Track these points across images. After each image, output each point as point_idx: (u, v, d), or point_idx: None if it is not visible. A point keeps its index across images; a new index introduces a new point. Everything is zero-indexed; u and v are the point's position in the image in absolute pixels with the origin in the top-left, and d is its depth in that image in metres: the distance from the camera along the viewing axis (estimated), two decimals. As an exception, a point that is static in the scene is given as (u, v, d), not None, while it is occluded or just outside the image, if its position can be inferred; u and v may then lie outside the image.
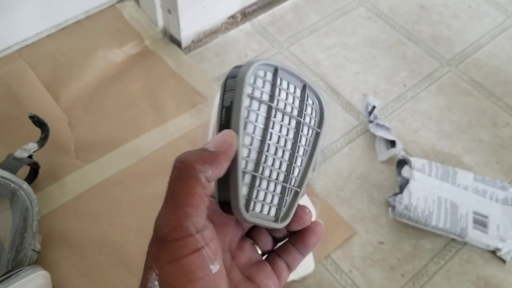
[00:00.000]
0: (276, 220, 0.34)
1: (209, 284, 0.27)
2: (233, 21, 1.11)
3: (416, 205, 0.81)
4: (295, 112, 0.34)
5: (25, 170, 0.80)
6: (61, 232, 0.78)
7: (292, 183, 0.35)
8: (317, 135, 0.36)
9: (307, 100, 0.35)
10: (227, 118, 0.31)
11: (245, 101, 0.31)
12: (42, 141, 0.79)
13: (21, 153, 0.76)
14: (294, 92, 0.34)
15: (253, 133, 0.31)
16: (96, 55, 0.99)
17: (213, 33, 1.09)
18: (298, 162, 0.35)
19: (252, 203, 0.32)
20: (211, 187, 0.30)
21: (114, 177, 0.84)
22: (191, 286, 0.26)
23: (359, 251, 0.81)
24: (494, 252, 0.81)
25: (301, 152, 0.35)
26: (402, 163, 0.89)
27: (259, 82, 0.32)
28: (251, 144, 0.31)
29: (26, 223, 0.72)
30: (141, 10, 1.09)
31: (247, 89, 0.30)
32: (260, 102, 0.32)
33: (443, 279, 0.79)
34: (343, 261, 0.79)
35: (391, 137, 0.90)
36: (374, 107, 0.92)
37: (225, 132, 0.30)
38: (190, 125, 0.91)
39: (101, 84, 0.96)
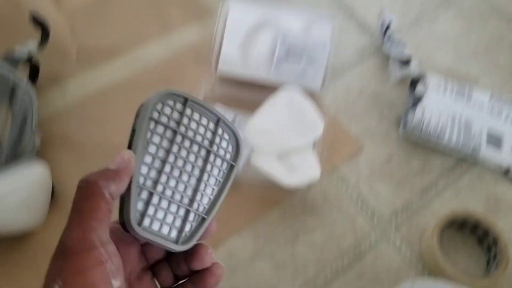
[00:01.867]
0: (176, 242, 0.34)
1: None
2: None
3: (428, 121, 0.78)
4: (206, 143, 0.37)
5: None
6: (63, 136, 0.77)
7: (199, 209, 0.36)
8: (232, 168, 0.39)
9: (222, 135, 0.38)
10: (130, 139, 0.34)
11: (149, 124, 0.34)
12: (43, 41, 0.76)
13: (20, 49, 0.73)
14: (207, 125, 0.37)
15: (156, 154, 0.34)
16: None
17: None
18: (208, 191, 0.37)
19: (148, 220, 0.33)
20: (115, 206, 0.31)
21: (118, 84, 0.82)
22: None
23: (367, 166, 0.78)
24: (506, 174, 0.79)
25: (212, 181, 0.37)
26: (416, 82, 0.85)
27: (167, 110, 0.35)
28: (152, 164, 0.34)
29: (26, 120, 0.70)
30: None
31: (151, 114, 0.34)
32: (166, 127, 0.35)
33: (452, 195, 0.77)
34: (349, 175, 0.77)
35: (405, 56, 0.86)
36: (389, 25, 0.88)
37: (123, 151, 0.32)
38: (196, 39, 0.88)
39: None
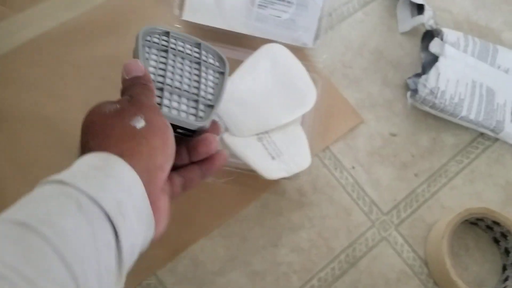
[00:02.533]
0: (195, 119, 0.42)
1: (169, 134, 0.37)
2: None
3: (444, 90, 0.63)
4: (195, 57, 0.46)
5: None
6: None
7: (206, 99, 0.45)
8: (222, 74, 0.48)
9: (207, 54, 0.48)
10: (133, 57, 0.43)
11: (145, 49, 0.44)
12: None
13: None
14: (192, 48, 0.47)
15: (156, 65, 0.43)
16: None
17: None
18: (209, 90, 0.46)
19: (166, 109, 0.41)
20: None
21: (53, 32, 0.64)
22: (163, 124, 0.37)
23: (366, 144, 0.64)
24: (529, 152, 0.66)
25: (210, 83, 0.46)
26: (429, 35, 0.69)
27: (155, 39, 0.45)
28: (156, 70, 0.43)
29: None
30: None
31: (144, 36, 0.44)
32: (158, 49, 0.45)
33: (466, 181, 0.64)
34: (345, 156, 0.63)
35: (419, 0, 0.69)
36: (400, -40, 0.70)
37: (129, 61, 0.40)
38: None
39: None
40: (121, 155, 0.32)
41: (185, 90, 0.43)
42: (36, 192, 0.29)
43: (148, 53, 0.43)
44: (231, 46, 0.61)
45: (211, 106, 0.45)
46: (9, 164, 0.57)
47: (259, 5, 0.64)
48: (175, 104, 0.42)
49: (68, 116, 0.59)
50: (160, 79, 0.43)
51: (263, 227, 0.58)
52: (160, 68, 0.43)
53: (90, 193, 0.28)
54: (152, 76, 0.42)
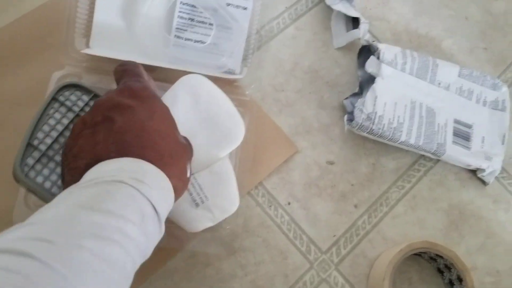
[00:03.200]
0: (53, 195, 0.41)
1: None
2: None
3: (382, 114, 0.59)
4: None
5: None
6: None
7: None
8: None
9: None
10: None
11: (54, 103, 0.44)
12: None
13: None
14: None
15: (54, 126, 0.43)
16: None
17: None
18: None
19: (33, 173, 0.40)
20: None
21: None
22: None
23: (302, 175, 0.60)
24: (473, 171, 0.63)
25: None
26: (366, 51, 0.64)
27: (73, 97, 0.45)
28: (49, 132, 0.42)
29: None
30: None
31: (62, 90, 0.45)
32: (69, 109, 0.44)
33: (408, 208, 0.60)
34: (279, 191, 0.59)
35: (354, 13, 0.64)
36: (332, -32, 0.64)
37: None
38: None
39: None
40: (172, 181, 0.39)
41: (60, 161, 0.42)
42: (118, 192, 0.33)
43: (55, 109, 0.43)
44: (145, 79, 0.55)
45: None
46: None
47: (177, 28, 0.57)
48: (45, 172, 0.41)
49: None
50: (49, 141, 0.42)
51: (191, 281, 0.53)
52: (57, 131, 0.42)
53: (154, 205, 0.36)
54: (41, 135, 0.42)
